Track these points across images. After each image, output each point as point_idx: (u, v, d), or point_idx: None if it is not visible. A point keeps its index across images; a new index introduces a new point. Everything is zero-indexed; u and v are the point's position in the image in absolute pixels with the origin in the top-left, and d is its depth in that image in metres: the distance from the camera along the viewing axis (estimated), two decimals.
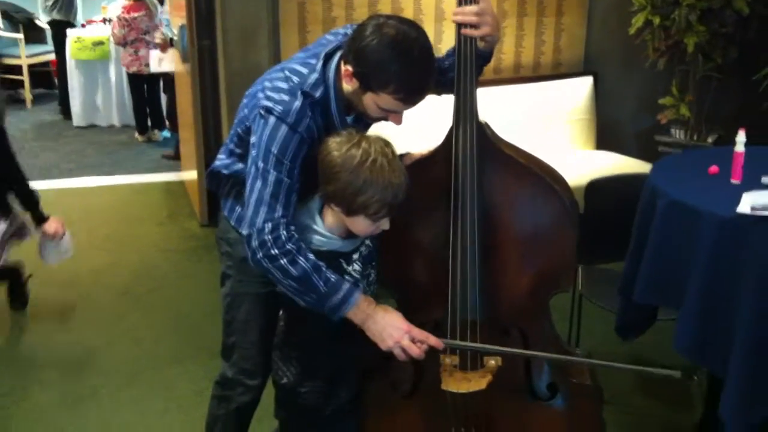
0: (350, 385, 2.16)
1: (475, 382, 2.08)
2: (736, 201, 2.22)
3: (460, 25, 2.05)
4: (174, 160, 6.42)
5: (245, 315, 2.32)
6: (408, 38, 1.93)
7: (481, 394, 2.07)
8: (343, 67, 2.00)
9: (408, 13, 4.54)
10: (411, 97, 1.97)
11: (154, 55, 6.69)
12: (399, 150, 2.21)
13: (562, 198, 2.08)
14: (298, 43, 4.35)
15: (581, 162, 4.50)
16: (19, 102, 8.38)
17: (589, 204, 3.01)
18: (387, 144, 1.97)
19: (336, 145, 1.93)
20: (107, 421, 3.16)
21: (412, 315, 2.13)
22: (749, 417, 2.18)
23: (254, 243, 1.96)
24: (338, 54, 2.04)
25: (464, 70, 2.05)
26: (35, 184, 5.81)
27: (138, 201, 5.71)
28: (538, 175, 2.09)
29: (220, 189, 2.28)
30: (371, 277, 2.11)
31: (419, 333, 2.00)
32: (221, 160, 2.23)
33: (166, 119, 7.18)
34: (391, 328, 1.99)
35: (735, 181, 2.45)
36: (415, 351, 2.00)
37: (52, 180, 6.09)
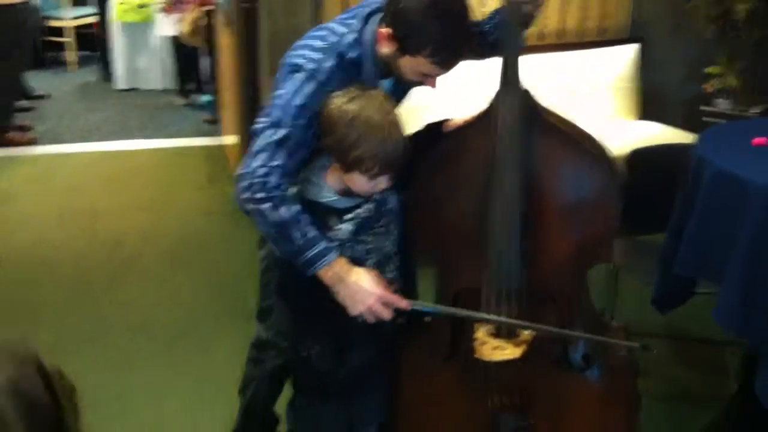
0: (363, 350, 2.12)
1: (510, 351, 2.08)
2: None
3: None
4: (214, 124, 6.44)
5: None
6: (446, 0, 1.91)
7: (516, 363, 2.07)
8: (380, 30, 1.98)
9: None
10: (447, 61, 1.96)
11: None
12: (440, 116, 2.20)
13: (606, 167, 2.05)
14: (340, 7, 4.32)
15: (624, 131, 4.42)
16: (63, 64, 8.45)
17: (631, 174, 2.96)
18: (386, 101, 1.96)
19: (336, 100, 1.94)
20: (146, 382, 3.21)
21: (450, 283, 2.13)
22: None
23: (244, 183, 1.96)
24: (378, 15, 2.02)
25: (511, 36, 2.00)
26: (77, 147, 5.81)
27: (179, 164, 5.74)
28: (582, 144, 2.06)
29: None
30: (371, 245, 2.07)
31: (391, 296, 1.99)
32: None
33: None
34: (363, 293, 1.96)
35: None
36: (386, 314, 1.99)
37: (95, 142, 6.15)
